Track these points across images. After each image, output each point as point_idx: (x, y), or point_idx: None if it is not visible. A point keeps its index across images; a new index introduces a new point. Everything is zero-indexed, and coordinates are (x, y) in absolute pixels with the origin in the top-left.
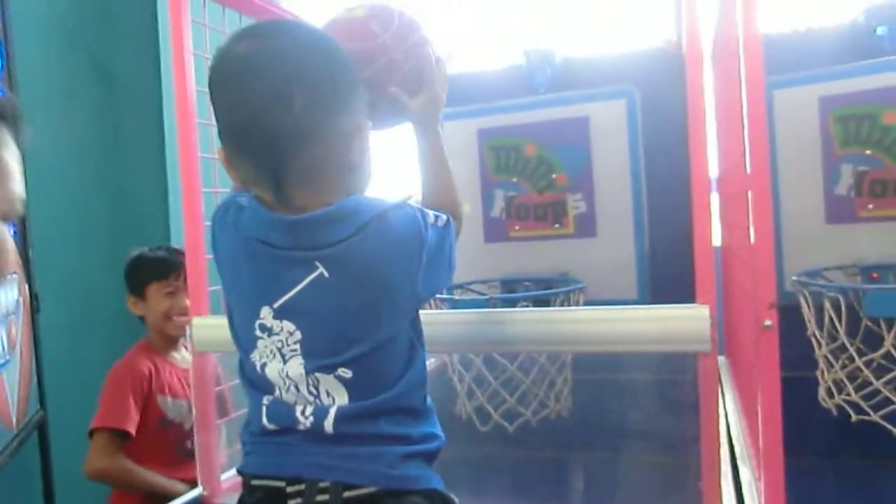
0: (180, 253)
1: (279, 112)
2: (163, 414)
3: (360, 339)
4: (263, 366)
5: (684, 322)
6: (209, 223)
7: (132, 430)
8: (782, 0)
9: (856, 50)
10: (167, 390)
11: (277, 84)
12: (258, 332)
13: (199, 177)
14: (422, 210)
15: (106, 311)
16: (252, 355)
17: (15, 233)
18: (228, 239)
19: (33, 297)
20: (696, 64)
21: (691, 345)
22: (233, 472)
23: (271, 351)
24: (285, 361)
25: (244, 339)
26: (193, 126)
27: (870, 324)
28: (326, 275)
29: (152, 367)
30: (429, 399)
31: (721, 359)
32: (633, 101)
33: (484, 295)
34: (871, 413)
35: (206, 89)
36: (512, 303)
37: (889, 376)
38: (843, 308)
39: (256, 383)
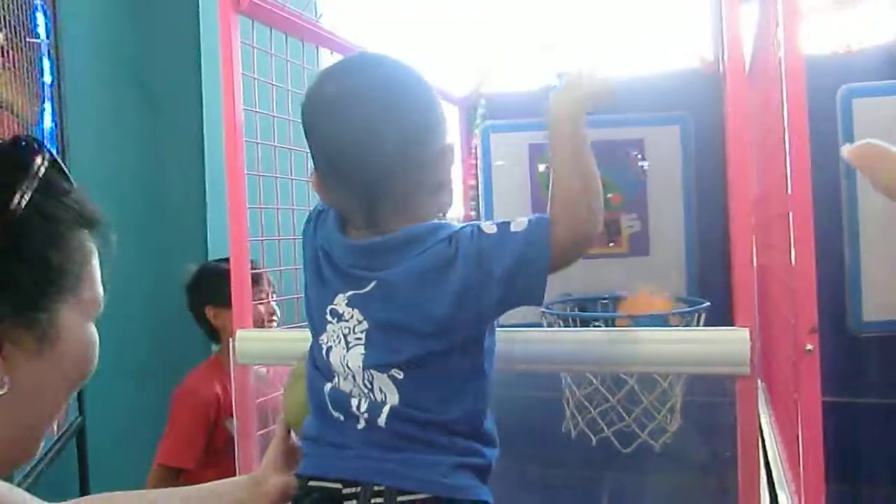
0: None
1: (370, 147)
2: (230, 436)
3: (416, 342)
4: (329, 349)
5: (724, 345)
6: (254, 238)
7: (191, 466)
8: (821, 20)
9: None
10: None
11: (366, 120)
12: (329, 317)
13: (246, 194)
14: (478, 225)
15: (144, 321)
16: (321, 338)
17: None
18: (313, 241)
19: None
20: (738, 85)
21: (730, 367)
22: None
23: (338, 336)
24: (348, 349)
25: (317, 320)
26: (241, 144)
27: None
28: (387, 284)
29: (220, 390)
30: (489, 425)
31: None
32: (686, 127)
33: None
34: None
35: (253, 109)
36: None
37: None
38: None
39: (321, 369)
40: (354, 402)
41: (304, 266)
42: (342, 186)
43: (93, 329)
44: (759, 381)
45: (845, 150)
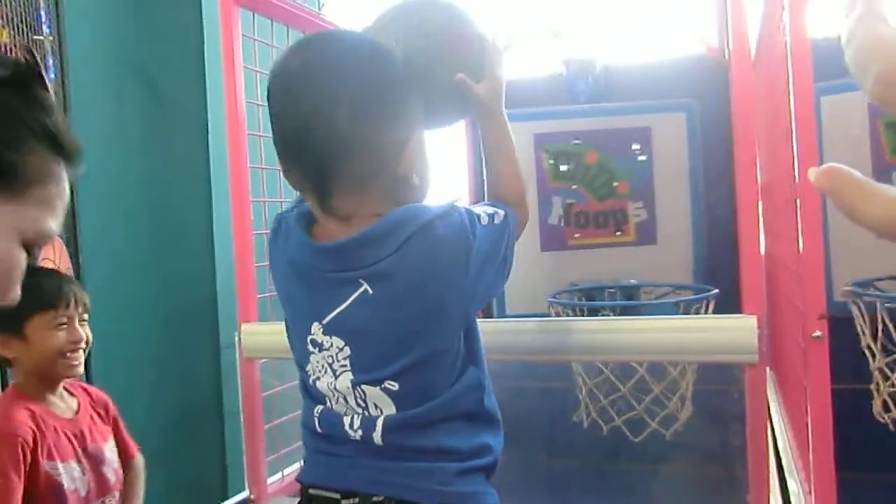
0: (63, 276)
1: (324, 121)
2: (56, 484)
3: (407, 352)
4: (316, 380)
5: (732, 333)
6: (258, 232)
7: None
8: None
9: None
10: (56, 453)
11: (323, 94)
12: (310, 347)
13: (249, 187)
14: (470, 213)
15: (152, 315)
16: (307, 368)
17: (66, 240)
18: (279, 257)
19: None
20: (743, 72)
21: (739, 355)
22: (278, 475)
23: (322, 366)
24: (336, 377)
25: (299, 352)
26: (244, 137)
27: None
28: (371, 291)
29: (35, 430)
30: (489, 401)
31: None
32: (692, 114)
33: (568, 303)
34: None
35: (255, 102)
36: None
37: None
38: None
39: (310, 392)
40: (347, 420)
41: (276, 287)
42: (297, 163)
43: (18, 253)
44: (768, 370)
45: (811, 173)
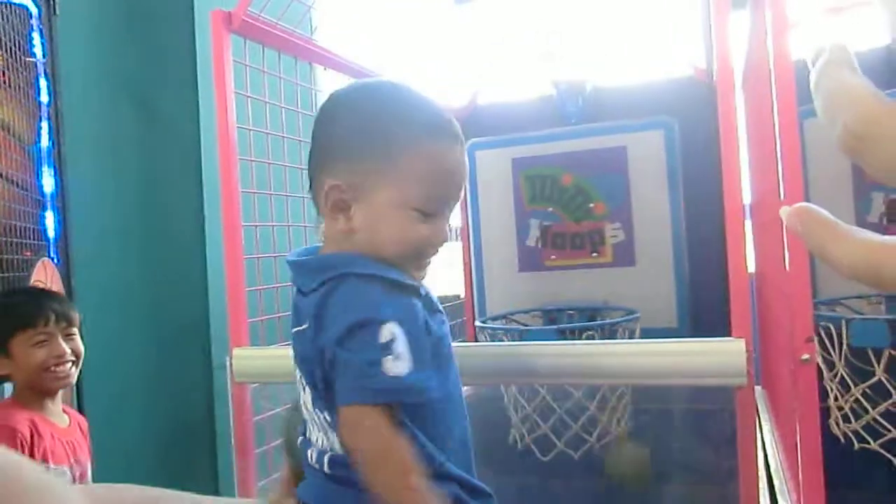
0: (47, 293)
1: (321, 143)
2: None
3: (323, 381)
4: (301, 393)
5: (720, 356)
6: (249, 256)
7: None
8: (811, 26)
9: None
10: (50, 457)
11: (315, 131)
12: (293, 361)
13: (240, 211)
14: (384, 297)
15: (144, 333)
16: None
17: (59, 261)
18: None
19: None
20: (728, 93)
21: (728, 378)
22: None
23: (298, 378)
24: (304, 390)
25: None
26: (235, 162)
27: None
28: (305, 321)
29: (34, 430)
30: (446, 465)
31: (758, 389)
32: (671, 132)
33: (525, 326)
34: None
35: (247, 127)
36: (562, 333)
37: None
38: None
39: (303, 418)
40: (310, 451)
41: None
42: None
43: None
44: (760, 389)
45: (783, 213)
